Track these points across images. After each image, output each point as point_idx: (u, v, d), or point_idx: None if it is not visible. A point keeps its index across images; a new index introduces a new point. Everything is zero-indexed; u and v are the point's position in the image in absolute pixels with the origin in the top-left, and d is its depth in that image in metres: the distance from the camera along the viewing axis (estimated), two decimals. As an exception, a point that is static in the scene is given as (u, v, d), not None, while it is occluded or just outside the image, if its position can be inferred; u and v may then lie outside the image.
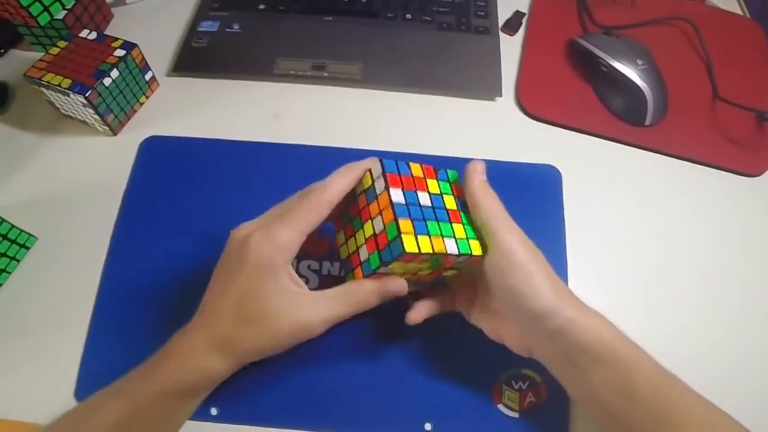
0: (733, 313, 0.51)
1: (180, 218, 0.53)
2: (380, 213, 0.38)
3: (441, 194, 0.41)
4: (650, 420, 0.35)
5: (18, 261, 0.51)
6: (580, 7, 0.70)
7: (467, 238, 0.39)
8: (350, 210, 0.41)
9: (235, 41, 0.65)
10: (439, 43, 0.65)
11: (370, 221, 0.38)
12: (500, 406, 0.45)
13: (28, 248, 0.52)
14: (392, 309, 0.44)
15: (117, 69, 0.55)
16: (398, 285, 0.39)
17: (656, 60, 0.62)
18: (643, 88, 0.59)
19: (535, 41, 0.68)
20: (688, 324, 0.50)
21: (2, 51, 0.66)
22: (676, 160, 0.59)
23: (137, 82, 0.59)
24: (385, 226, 0.37)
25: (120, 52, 0.56)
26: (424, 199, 0.39)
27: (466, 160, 0.56)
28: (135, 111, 0.61)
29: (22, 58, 0.65)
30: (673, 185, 0.58)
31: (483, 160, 0.56)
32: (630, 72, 0.60)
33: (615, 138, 0.60)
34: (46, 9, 0.58)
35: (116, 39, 0.57)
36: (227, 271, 0.39)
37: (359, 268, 0.39)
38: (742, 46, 0.69)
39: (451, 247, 0.38)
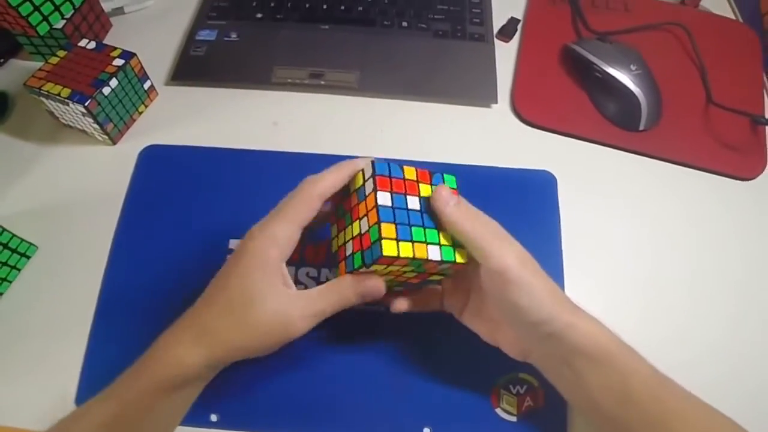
0: (728, 316, 0.51)
1: (179, 226, 0.53)
2: (367, 214, 0.38)
3: None
4: (646, 423, 0.35)
5: (19, 270, 0.51)
6: (574, 14, 0.71)
7: (453, 246, 0.39)
8: (344, 205, 0.41)
9: (233, 50, 0.66)
10: (435, 51, 0.66)
11: (358, 220, 0.39)
12: (498, 411, 0.46)
13: (28, 257, 0.52)
14: (391, 317, 0.44)
15: (116, 78, 0.56)
16: (376, 285, 0.39)
17: (650, 65, 0.62)
18: (636, 94, 0.60)
19: (530, 48, 0.68)
20: (684, 327, 0.50)
21: (2, 61, 0.66)
22: (670, 164, 0.60)
23: (136, 91, 0.59)
24: (369, 227, 0.37)
25: (119, 62, 0.56)
26: (413, 203, 0.39)
27: (463, 167, 0.57)
28: (134, 120, 0.61)
29: (21, 67, 0.66)
30: (668, 190, 0.58)
31: (479, 166, 0.57)
32: (624, 77, 0.60)
33: (610, 143, 0.60)
34: (45, 19, 0.59)
35: (115, 48, 0.58)
36: (225, 267, 0.39)
37: (343, 262, 0.40)
38: (735, 50, 0.69)
39: (433, 253, 0.38)
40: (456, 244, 0.39)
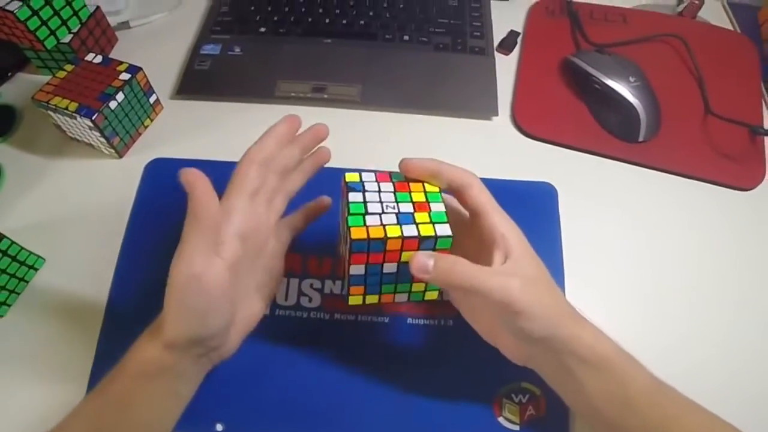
0: (728, 325, 0.52)
1: (185, 238, 0.54)
2: (345, 261, 0.38)
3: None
4: (646, 428, 0.36)
5: (27, 282, 0.52)
6: (573, 26, 0.72)
7: (424, 291, 0.41)
8: (341, 217, 0.42)
9: (236, 64, 0.67)
10: (436, 64, 0.67)
11: (343, 243, 0.40)
12: (501, 419, 0.46)
13: (36, 269, 0.53)
14: (394, 326, 0.45)
15: (122, 92, 0.56)
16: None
17: (648, 77, 0.63)
18: (635, 105, 0.60)
19: (530, 60, 0.69)
20: (684, 336, 0.51)
21: (9, 75, 0.67)
22: (669, 175, 0.60)
23: (142, 105, 0.60)
24: (345, 275, 0.39)
25: (125, 76, 0.57)
26: (389, 268, 0.38)
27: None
28: (140, 134, 0.62)
29: (29, 81, 0.67)
30: (668, 200, 0.59)
31: (480, 178, 0.58)
32: (623, 89, 0.61)
33: (609, 155, 0.61)
34: (52, 33, 0.60)
35: (121, 62, 0.58)
36: None
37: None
38: (733, 61, 0.70)
39: (400, 298, 0.40)
40: (428, 288, 0.40)
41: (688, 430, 0.36)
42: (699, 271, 0.54)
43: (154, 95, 0.62)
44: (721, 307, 0.52)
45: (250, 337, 0.43)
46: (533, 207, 0.57)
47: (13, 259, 0.50)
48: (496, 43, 0.71)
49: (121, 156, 0.60)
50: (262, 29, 0.70)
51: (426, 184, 0.40)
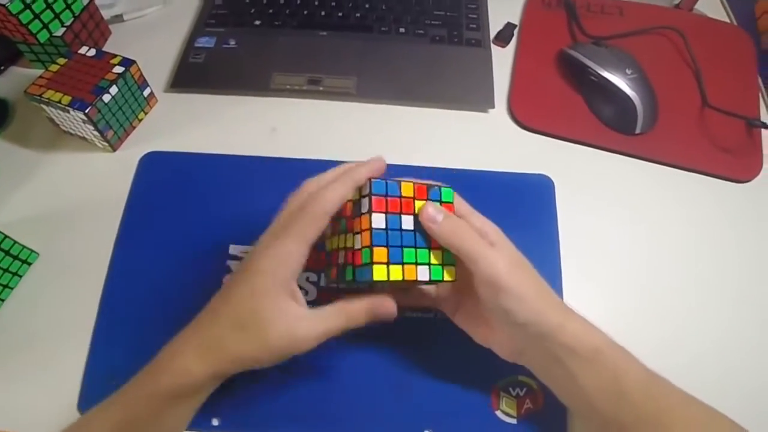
0: (726, 317, 0.52)
1: (180, 232, 0.54)
2: (361, 232, 0.38)
3: None
4: (641, 421, 0.36)
5: (20, 276, 0.52)
6: (570, 18, 0.71)
7: (442, 264, 0.40)
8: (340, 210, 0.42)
9: (231, 57, 0.66)
10: (432, 56, 0.66)
11: (353, 234, 0.39)
12: (498, 413, 0.46)
13: (30, 264, 0.52)
14: (392, 320, 0.44)
15: (116, 85, 0.56)
16: (388, 310, 0.40)
17: (645, 69, 0.63)
18: (632, 97, 0.60)
19: (527, 52, 0.69)
20: (681, 328, 0.51)
21: (2, 68, 0.67)
22: (666, 167, 0.60)
23: (136, 98, 0.60)
24: (362, 247, 0.38)
25: (119, 69, 0.57)
26: (407, 223, 0.39)
27: (461, 171, 0.57)
28: (134, 127, 0.61)
29: (21, 75, 0.66)
30: (665, 193, 0.59)
31: (476, 170, 0.58)
32: (619, 81, 0.61)
33: (606, 147, 0.61)
34: (45, 26, 0.59)
35: (115, 55, 0.58)
36: (234, 283, 0.39)
37: (336, 269, 0.41)
38: (730, 53, 0.70)
39: (422, 274, 0.39)
40: (446, 262, 0.40)
41: (683, 421, 0.36)
42: (696, 263, 0.54)
43: (148, 88, 0.61)
44: (718, 299, 0.52)
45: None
46: (530, 199, 0.57)
47: (6, 253, 0.49)
48: (492, 35, 0.70)
49: (115, 149, 0.60)
50: (257, 22, 0.69)
51: None
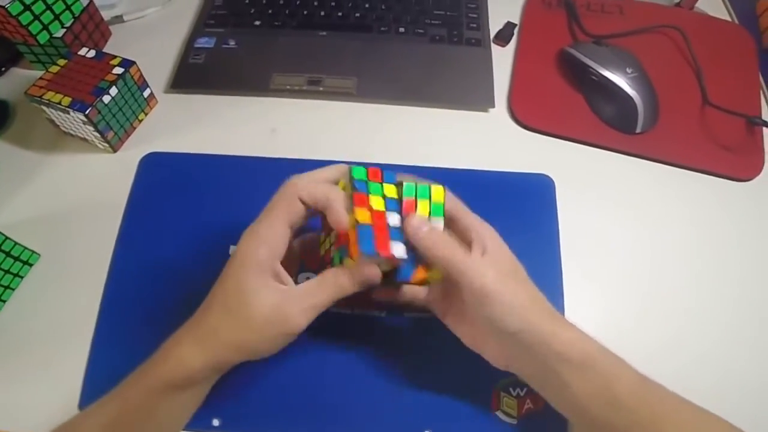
0: (727, 317, 0.51)
1: (180, 233, 0.54)
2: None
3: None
4: (635, 426, 0.36)
5: (21, 277, 0.52)
6: (570, 17, 0.71)
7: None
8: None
9: (231, 57, 0.66)
10: (432, 56, 0.66)
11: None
12: (498, 413, 0.46)
13: (31, 265, 0.52)
14: (391, 320, 0.44)
15: (116, 86, 0.56)
16: (372, 271, 0.39)
17: (646, 68, 0.63)
18: (633, 96, 0.60)
19: (527, 52, 0.69)
20: (682, 328, 0.51)
21: (2, 69, 0.67)
22: (667, 166, 0.60)
23: (136, 99, 0.60)
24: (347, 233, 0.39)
25: (118, 70, 0.57)
26: (393, 220, 0.40)
27: (461, 171, 0.57)
28: (134, 128, 0.61)
29: (22, 76, 0.66)
30: (666, 192, 0.58)
31: (477, 170, 0.58)
32: (620, 80, 0.61)
33: (607, 146, 0.61)
34: (45, 27, 0.60)
35: (114, 57, 0.58)
36: (223, 270, 0.40)
37: (330, 266, 0.41)
38: (730, 51, 0.69)
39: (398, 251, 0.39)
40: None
41: (678, 427, 0.36)
42: (697, 261, 0.54)
43: (148, 89, 0.61)
44: (720, 298, 0.52)
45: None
46: (531, 199, 0.56)
47: (7, 254, 0.49)
48: (492, 34, 0.70)
49: (115, 150, 0.60)
50: (257, 22, 0.69)
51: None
